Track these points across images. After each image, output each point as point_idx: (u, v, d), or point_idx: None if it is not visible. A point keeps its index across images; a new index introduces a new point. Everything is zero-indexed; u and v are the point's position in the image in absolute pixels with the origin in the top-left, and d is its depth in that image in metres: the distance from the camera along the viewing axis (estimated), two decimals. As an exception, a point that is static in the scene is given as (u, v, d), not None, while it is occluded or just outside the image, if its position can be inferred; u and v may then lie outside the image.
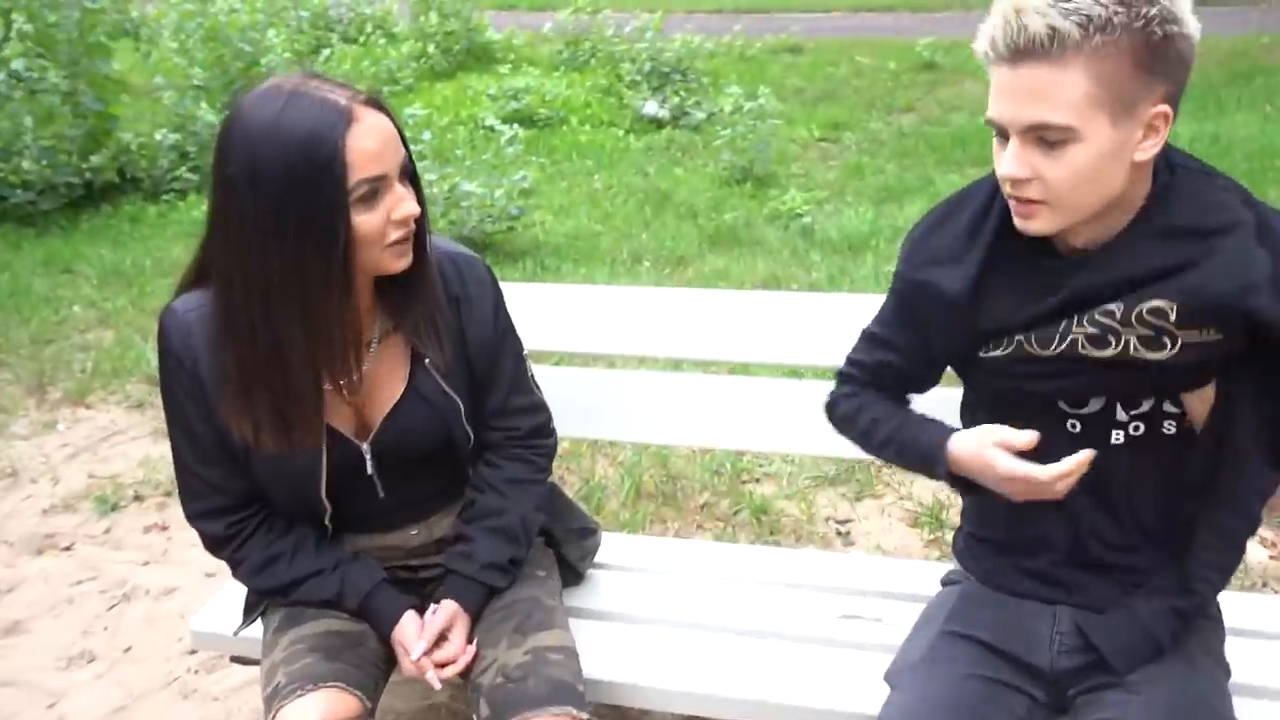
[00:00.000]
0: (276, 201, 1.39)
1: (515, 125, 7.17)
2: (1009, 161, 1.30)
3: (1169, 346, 1.32)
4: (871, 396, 1.63)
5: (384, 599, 1.68)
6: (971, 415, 1.59)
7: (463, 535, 1.74)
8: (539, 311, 2.14)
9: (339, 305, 1.48)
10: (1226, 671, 1.55)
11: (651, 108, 8.21)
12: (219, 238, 1.48)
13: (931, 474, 1.52)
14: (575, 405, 2.12)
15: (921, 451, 1.51)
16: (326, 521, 1.70)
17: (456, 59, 10.22)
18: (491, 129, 7.07)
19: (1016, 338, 1.40)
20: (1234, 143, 6.47)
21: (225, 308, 1.50)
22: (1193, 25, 1.25)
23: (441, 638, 1.66)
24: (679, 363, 2.18)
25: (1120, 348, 1.34)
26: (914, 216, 1.56)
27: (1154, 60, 1.23)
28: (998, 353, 1.43)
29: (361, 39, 11.11)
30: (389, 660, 1.72)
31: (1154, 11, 1.21)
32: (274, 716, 1.55)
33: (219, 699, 2.49)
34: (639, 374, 2.21)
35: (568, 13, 10.56)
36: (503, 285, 1.77)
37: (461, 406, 1.68)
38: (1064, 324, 1.36)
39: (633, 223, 5.85)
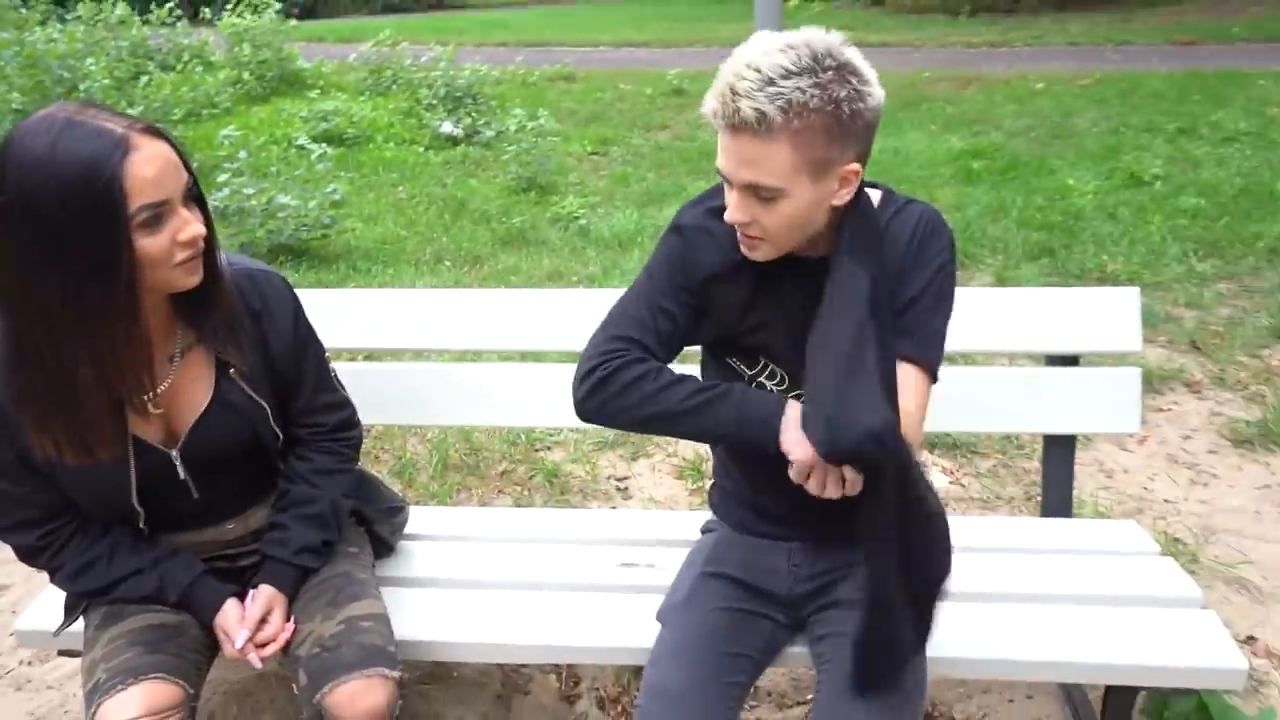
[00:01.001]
0: (53, 230, 1.23)
1: (325, 144, 6.87)
2: (733, 210, 1.34)
3: None
4: (657, 364, 1.43)
5: (204, 590, 1.54)
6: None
7: (277, 523, 1.61)
8: (351, 313, 2.05)
9: (125, 329, 1.31)
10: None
11: (447, 127, 7.99)
12: (2, 268, 1.28)
13: (759, 437, 1.35)
14: (387, 395, 2.05)
15: (764, 415, 1.35)
16: (141, 524, 1.53)
17: (270, 85, 9.75)
18: (303, 148, 6.71)
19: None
20: (910, 155, 6.83)
21: (14, 335, 1.33)
22: (877, 96, 1.28)
23: (261, 620, 1.53)
24: (479, 353, 2.11)
25: None
26: (672, 216, 1.53)
27: (844, 131, 1.25)
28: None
29: (180, 66, 10.40)
30: (211, 645, 1.59)
31: (844, 93, 1.23)
32: (94, 712, 1.39)
33: (53, 686, 2.26)
34: (443, 365, 2.14)
35: (370, 45, 10.20)
36: (316, 290, 1.67)
37: (268, 409, 1.54)
38: None
39: (434, 228, 5.69)
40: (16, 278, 1.27)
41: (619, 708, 2.09)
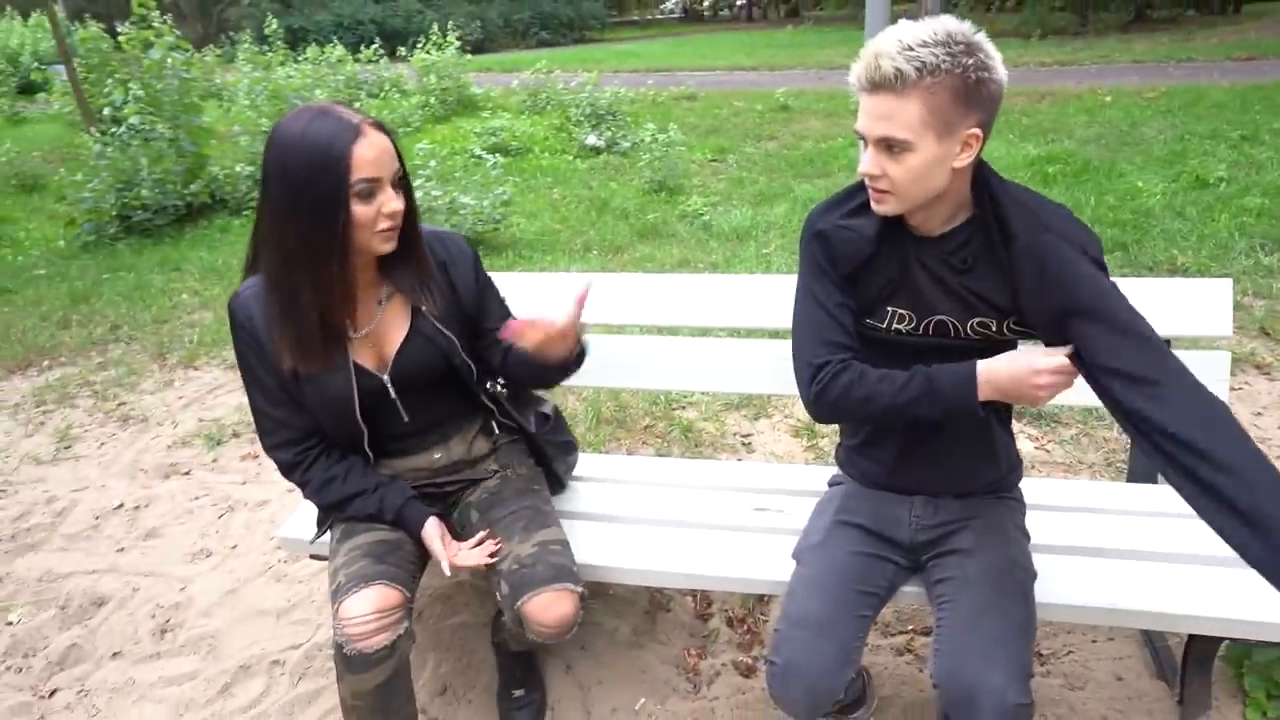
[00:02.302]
0: (296, 189, 1.33)
1: (495, 154, 6.96)
2: (866, 162, 1.28)
3: None
4: (860, 366, 1.35)
5: (413, 510, 1.58)
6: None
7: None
8: (519, 293, 2.01)
9: (339, 271, 1.39)
10: (1027, 536, 1.52)
11: (592, 139, 7.98)
12: (263, 220, 1.40)
13: (960, 401, 1.27)
14: None
15: (958, 377, 1.27)
16: (366, 447, 1.58)
17: (450, 107, 9.91)
18: (479, 157, 6.83)
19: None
20: (992, 160, 6.38)
21: (266, 272, 1.43)
22: (1001, 73, 1.21)
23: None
24: (623, 327, 2.08)
25: None
26: (782, 213, 1.48)
27: (970, 96, 1.19)
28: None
29: (381, 94, 10.75)
30: (422, 557, 1.62)
31: (971, 62, 1.18)
32: (338, 607, 1.44)
33: (303, 581, 2.37)
34: (596, 336, 2.12)
35: (529, 73, 10.28)
36: (491, 273, 1.68)
37: (457, 342, 1.57)
38: None
39: (582, 222, 5.69)
40: (270, 226, 1.38)
41: (745, 626, 2.05)
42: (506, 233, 5.43)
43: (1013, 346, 1.37)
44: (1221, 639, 1.62)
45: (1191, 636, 1.66)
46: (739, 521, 1.78)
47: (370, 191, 1.35)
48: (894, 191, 1.27)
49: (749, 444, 2.88)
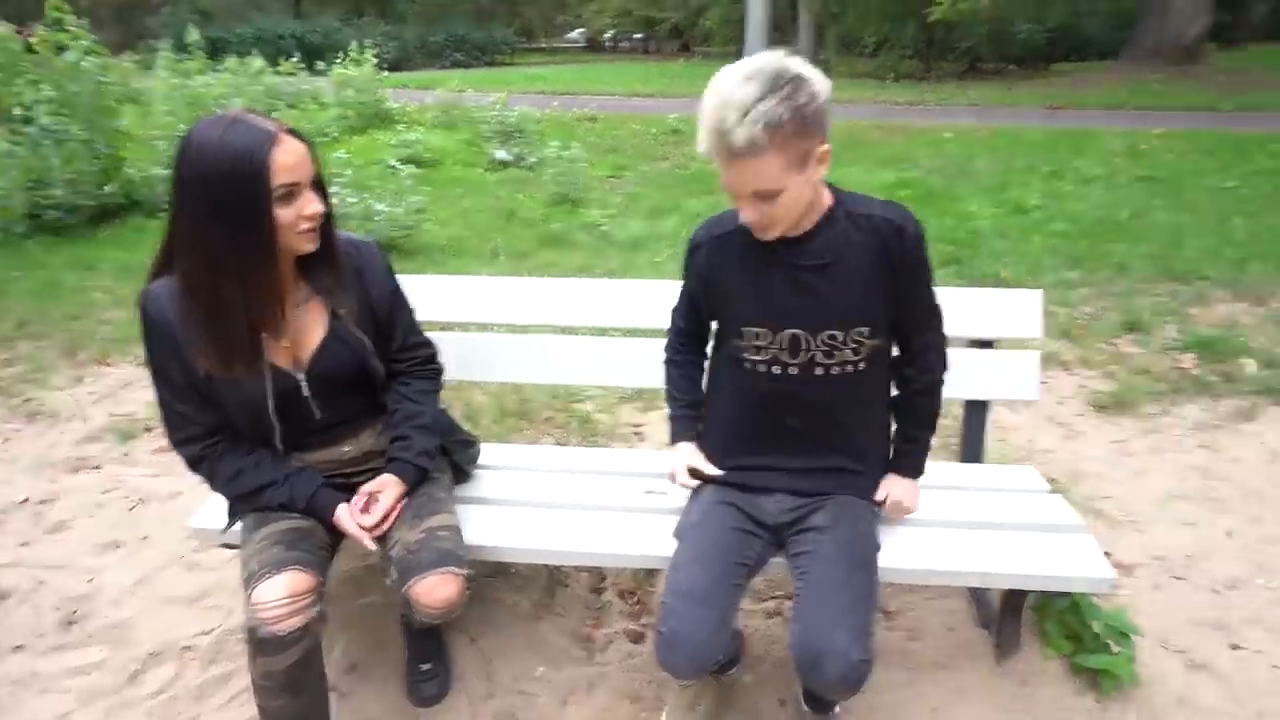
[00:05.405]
0: (219, 197, 1.27)
1: (410, 165, 6.72)
2: (747, 215, 1.29)
3: None
4: (683, 356, 1.67)
5: (324, 497, 1.49)
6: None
7: (399, 435, 1.56)
8: (433, 294, 1.99)
9: (266, 273, 1.34)
10: (875, 513, 1.57)
11: (502, 154, 7.82)
12: (180, 225, 1.33)
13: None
14: (458, 357, 1.98)
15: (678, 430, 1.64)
16: (278, 442, 1.48)
17: (367, 120, 9.48)
18: (393, 168, 6.57)
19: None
20: (853, 186, 6.55)
21: (185, 276, 1.34)
22: (823, 86, 1.21)
23: (371, 500, 1.50)
24: (527, 326, 2.04)
25: None
26: (672, 225, 1.52)
27: (811, 125, 1.20)
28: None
29: (299, 106, 10.21)
30: (334, 544, 1.54)
31: (802, 96, 1.17)
32: (250, 593, 1.36)
33: (215, 569, 2.21)
34: (501, 335, 2.09)
35: (442, 91, 10.00)
36: (403, 275, 1.63)
37: (369, 345, 1.50)
38: None
39: (491, 230, 5.56)
40: (189, 231, 1.31)
41: (635, 598, 2.06)
42: (420, 239, 5.26)
43: (850, 389, 1.44)
44: (1027, 592, 1.73)
45: (1007, 591, 1.77)
46: (630, 503, 1.77)
47: (290, 195, 1.30)
48: (778, 223, 1.29)
49: (641, 434, 2.89)
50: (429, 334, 1.69)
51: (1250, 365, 3.24)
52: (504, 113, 8.47)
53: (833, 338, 1.38)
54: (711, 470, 1.54)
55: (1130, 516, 2.37)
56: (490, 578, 2.11)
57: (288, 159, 1.28)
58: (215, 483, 1.50)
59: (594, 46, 37.73)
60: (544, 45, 36.88)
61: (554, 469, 1.93)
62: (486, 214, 6.04)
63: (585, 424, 2.94)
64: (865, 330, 1.39)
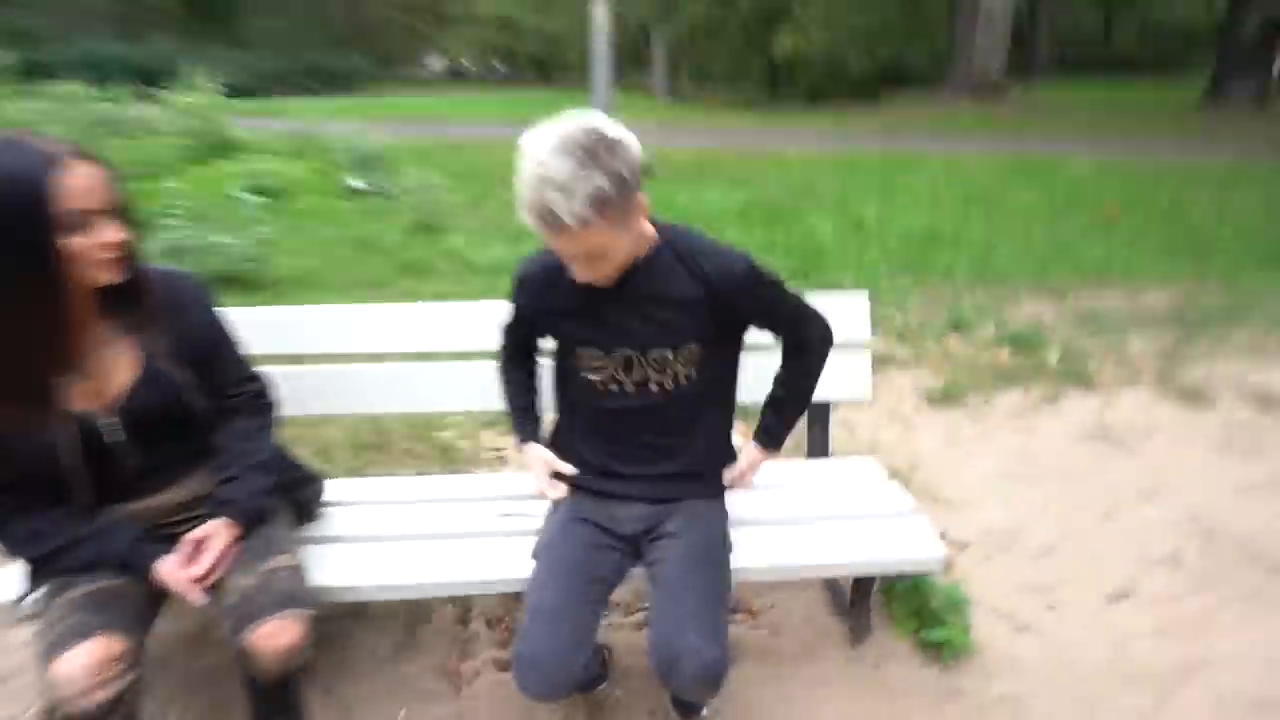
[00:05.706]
0: None
1: (257, 195, 6.33)
2: (582, 273, 1.31)
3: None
4: (511, 367, 1.69)
5: (140, 551, 1.34)
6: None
7: (229, 476, 1.42)
8: (281, 327, 1.88)
9: (53, 311, 1.19)
10: (726, 515, 1.60)
11: (358, 183, 7.53)
12: None
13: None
14: (311, 391, 1.89)
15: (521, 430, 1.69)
16: (86, 495, 1.32)
17: (209, 149, 8.87)
18: (236, 198, 6.17)
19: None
20: (709, 205, 6.88)
21: None
22: (635, 144, 1.22)
23: (198, 548, 1.34)
24: (383, 355, 1.95)
25: None
26: (534, 249, 1.48)
27: (630, 187, 1.21)
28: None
29: (129, 135, 9.38)
30: (154, 602, 1.38)
31: (616, 161, 1.18)
32: (48, 668, 1.19)
33: (18, 648, 1.94)
34: (355, 365, 1.98)
35: (293, 119, 9.53)
36: (248, 309, 1.51)
37: (188, 382, 1.37)
38: None
39: (347, 260, 5.32)
40: None
41: (503, 625, 1.99)
42: (269, 271, 4.94)
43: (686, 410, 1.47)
44: (874, 578, 1.82)
45: (855, 579, 1.86)
46: (489, 528, 1.72)
47: (82, 223, 1.17)
48: (604, 274, 1.31)
49: (503, 457, 2.83)
50: (275, 369, 1.57)
51: (1053, 355, 3.61)
52: (361, 141, 8.18)
53: (663, 356, 1.41)
54: (568, 469, 1.54)
55: (962, 497, 2.56)
56: (344, 619, 1.98)
57: (76, 183, 1.16)
58: (8, 545, 1.32)
59: (456, 75, 37.28)
60: (404, 73, 36.00)
61: (409, 500, 1.84)
62: (342, 244, 5.77)
63: (446, 452, 2.84)
64: (695, 346, 1.42)
